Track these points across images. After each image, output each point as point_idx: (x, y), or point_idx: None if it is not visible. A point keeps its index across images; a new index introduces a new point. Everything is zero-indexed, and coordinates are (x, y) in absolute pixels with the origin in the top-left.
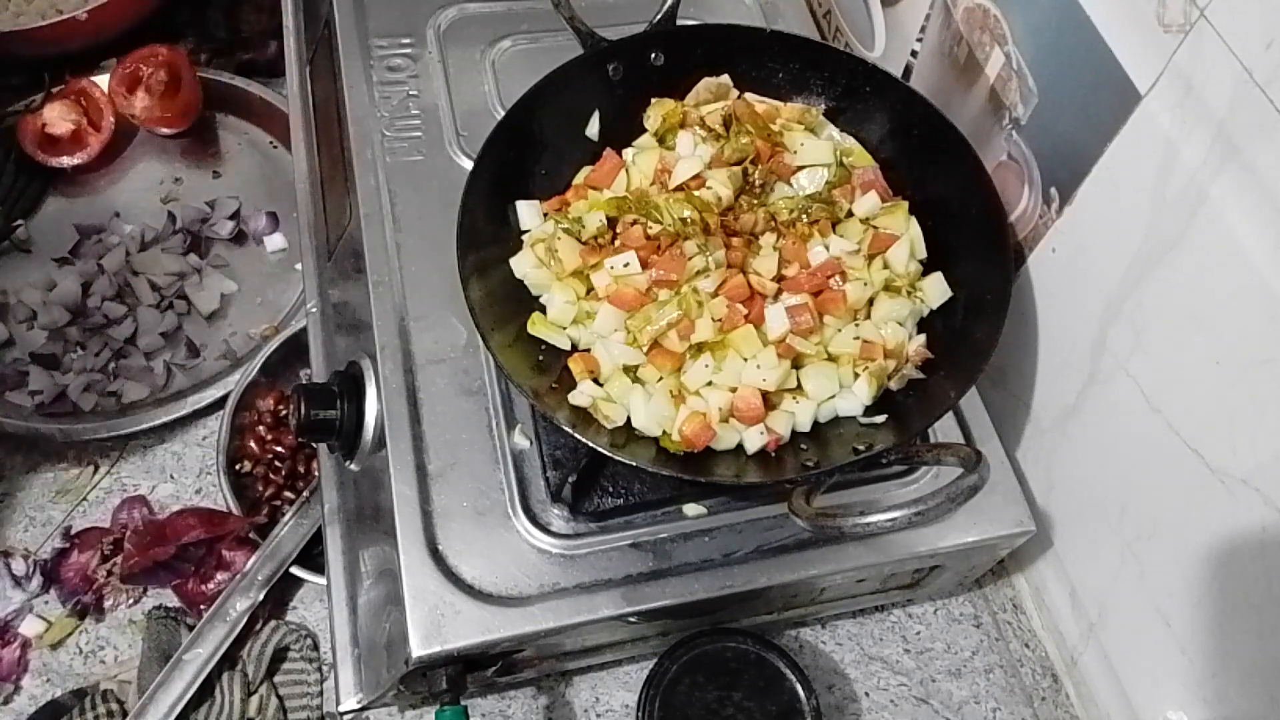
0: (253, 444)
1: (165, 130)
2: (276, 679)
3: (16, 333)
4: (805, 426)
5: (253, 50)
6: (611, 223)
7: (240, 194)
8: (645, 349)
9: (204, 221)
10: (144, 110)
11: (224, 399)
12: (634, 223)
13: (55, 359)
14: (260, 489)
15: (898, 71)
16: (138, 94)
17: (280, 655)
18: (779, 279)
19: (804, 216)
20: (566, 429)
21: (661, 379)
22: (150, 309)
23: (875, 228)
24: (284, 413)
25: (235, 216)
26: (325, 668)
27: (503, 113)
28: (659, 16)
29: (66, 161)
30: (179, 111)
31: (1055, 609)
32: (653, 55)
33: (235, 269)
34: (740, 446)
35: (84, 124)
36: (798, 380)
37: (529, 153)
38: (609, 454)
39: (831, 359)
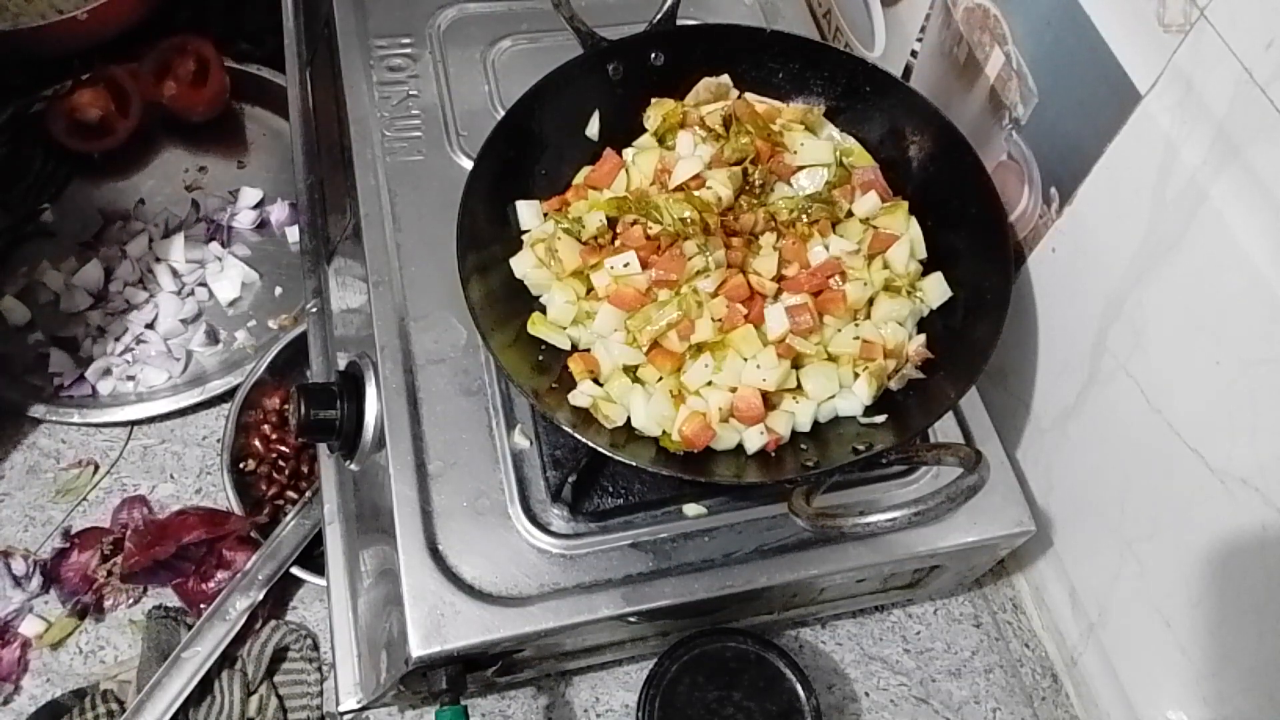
0: (257, 443)
1: (192, 116)
2: (276, 679)
3: (38, 315)
4: (805, 426)
5: (253, 47)
6: (611, 223)
7: (263, 184)
8: (645, 349)
9: (226, 211)
10: (171, 100)
11: (237, 389)
12: (634, 223)
13: (75, 342)
14: (263, 488)
15: (898, 71)
16: (167, 83)
17: (280, 655)
18: (779, 279)
19: (804, 216)
20: (566, 429)
21: (661, 379)
22: (171, 295)
23: (875, 228)
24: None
25: (258, 207)
26: (325, 668)
27: (503, 113)
28: (659, 16)
29: (94, 147)
30: (206, 100)
31: (1055, 609)
32: (653, 55)
33: (256, 259)
34: (740, 446)
35: (113, 111)
36: (798, 380)
37: (529, 153)
38: (609, 454)
39: (831, 359)
